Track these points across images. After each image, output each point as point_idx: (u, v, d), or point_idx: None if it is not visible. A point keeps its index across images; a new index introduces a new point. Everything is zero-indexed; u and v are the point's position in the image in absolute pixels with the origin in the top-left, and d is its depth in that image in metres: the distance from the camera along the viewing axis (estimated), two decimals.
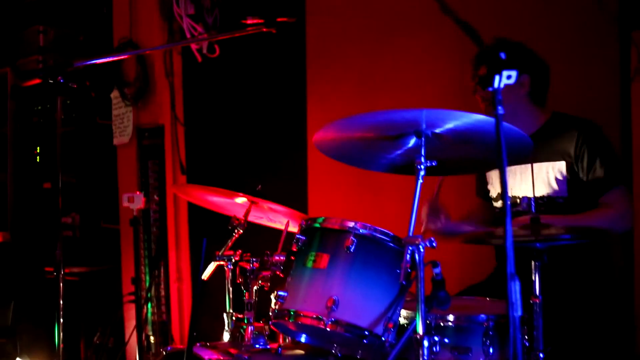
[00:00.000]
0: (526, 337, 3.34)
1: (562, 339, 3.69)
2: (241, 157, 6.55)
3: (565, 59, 4.84)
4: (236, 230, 4.38)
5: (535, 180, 4.21)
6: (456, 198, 4.72)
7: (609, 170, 4.13)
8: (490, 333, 3.28)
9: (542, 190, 4.21)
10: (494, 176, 4.49)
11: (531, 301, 3.26)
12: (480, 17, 5.24)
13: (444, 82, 4.38)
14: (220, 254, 4.26)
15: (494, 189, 4.49)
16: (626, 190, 4.19)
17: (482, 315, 3.32)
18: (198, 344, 3.86)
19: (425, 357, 2.95)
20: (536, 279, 3.26)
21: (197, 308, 3.30)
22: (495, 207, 4.50)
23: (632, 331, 4.50)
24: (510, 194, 4.33)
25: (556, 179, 4.18)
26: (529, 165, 4.21)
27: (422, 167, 3.09)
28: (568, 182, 4.17)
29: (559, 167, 4.18)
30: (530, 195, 4.20)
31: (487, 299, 3.80)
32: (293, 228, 4.06)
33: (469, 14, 5.24)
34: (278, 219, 4.51)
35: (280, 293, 3.26)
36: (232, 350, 3.73)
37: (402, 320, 3.27)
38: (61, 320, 4.28)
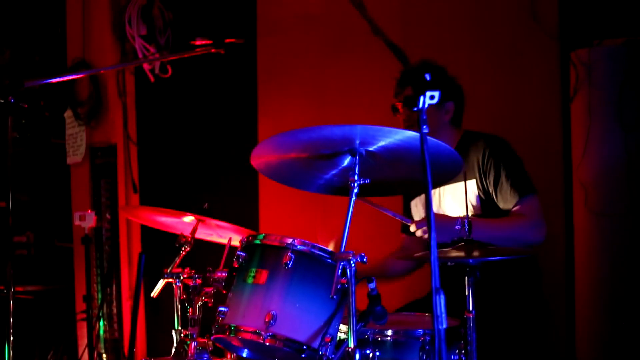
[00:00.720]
0: (463, 351, 3.41)
1: (496, 353, 3.77)
2: (194, 176, 6.58)
3: (506, 79, 4.94)
4: (183, 248, 4.43)
5: (453, 200, 4.27)
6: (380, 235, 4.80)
7: (515, 182, 4.16)
8: (427, 347, 3.34)
9: (459, 210, 4.25)
10: (418, 201, 4.52)
11: (465, 316, 3.33)
12: (416, 35, 5.33)
13: (391, 97, 4.46)
14: (168, 271, 4.29)
15: (419, 213, 4.52)
16: (537, 199, 4.18)
17: (419, 330, 3.38)
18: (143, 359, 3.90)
19: None
20: (469, 294, 3.32)
21: (135, 324, 3.33)
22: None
23: (572, 344, 4.60)
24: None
25: (470, 199, 4.22)
26: (447, 185, 4.28)
27: (356, 184, 3.15)
28: (480, 199, 4.23)
29: (471, 187, 4.24)
30: (452, 214, 4.26)
31: (426, 314, 3.86)
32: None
33: (403, 31, 5.34)
34: (227, 235, 4.56)
35: (221, 309, 3.29)
36: None
37: (342, 335, 3.32)
38: (11, 338, 4.28)
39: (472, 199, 4.25)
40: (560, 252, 4.78)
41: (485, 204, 4.23)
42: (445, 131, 4.37)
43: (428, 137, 2.69)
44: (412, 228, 3.99)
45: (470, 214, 4.21)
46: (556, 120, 4.92)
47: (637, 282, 4.43)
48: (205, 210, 4.43)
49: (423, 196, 4.31)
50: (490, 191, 4.21)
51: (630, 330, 4.37)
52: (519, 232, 4.07)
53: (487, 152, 4.22)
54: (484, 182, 4.21)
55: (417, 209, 4.53)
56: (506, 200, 4.17)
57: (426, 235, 3.96)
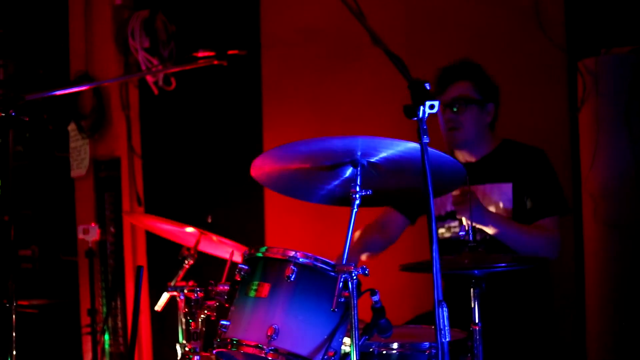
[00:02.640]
0: None
1: None
2: (198, 188, 6.56)
3: (514, 88, 4.90)
4: (186, 261, 4.41)
5: (482, 200, 4.25)
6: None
7: (550, 198, 4.21)
8: None
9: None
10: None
11: (471, 328, 3.28)
12: (420, 44, 5.30)
13: (396, 107, 4.40)
14: (172, 285, 4.27)
15: (443, 208, 4.47)
16: (559, 220, 4.25)
17: (425, 343, 3.32)
18: None
19: None
20: (475, 306, 3.27)
21: (134, 337, 3.28)
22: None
23: (583, 357, 4.55)
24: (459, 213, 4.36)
25: (503, 201, 4.24)
26: (479, 185, 4.25)
27: (358, 196, 3.11)
28: (514, 204, 4.23)
29: (505, 189, 4.24)
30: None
31: (433, 327, 3.81)
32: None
33: (407, 40, 5.30)
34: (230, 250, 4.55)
35: (223, 322, 3.25)
36: None
37: (346, 349, 3.27)
38: (14, 353, 4.25)
39: (506, 202, 4.26)
40: (570, 264, 4.73)
41: (518, 209, 4.24)
42: (485, 135, 4.40)
43: (429, 148, 2.64)
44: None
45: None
46: (564, 131, 4.88)
47: None
48: (208, 224, 4.41)
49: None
50: (525, 200, 4.24)
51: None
52: (537, 243, 4.12)
53: (529, 164, 4.27)
54: (522, 190, 4.24)
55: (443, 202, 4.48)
56: (536, 211, 4.22)
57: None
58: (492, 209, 4.24)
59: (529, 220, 4.22)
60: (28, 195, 7.54)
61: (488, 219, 4.03)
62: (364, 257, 4.47)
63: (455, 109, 4.30)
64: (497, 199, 4.25)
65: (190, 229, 4.42)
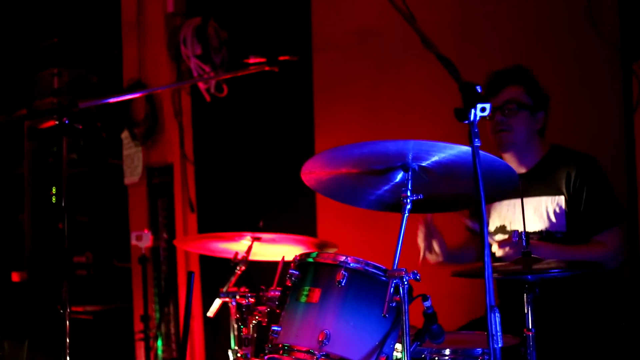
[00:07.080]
0: None
1: None
2: (251, 194, 6.57)
3: (567, 90, 4.86)
4: (239, 267, 4.41)
5: (534, 214, 4.20)
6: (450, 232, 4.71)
7: (605, 209, 4.14)
8: None
9: (540, 225, 4.20)
10: (491, 210, 4.45)
11: (524, 334, 3.24)
12: (477, 48, 5.26)
13: (449, 111, 4.35)
14: (224, 290, 4.27)
15: (492, 223, 4.45)
16: (620, 230, 4.17)
17: (478, 349, 3.30)
18: None
19: None
20: (528, 311, 3.24)
21: (185, 344, 3.28)
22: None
23: None
24: (510, 227, 4.33)
25: (555, 214, 4.18)
26: (529, 198, 4.20)
27: (409, 200, 3.09)
28: (567, 216, 4.17)
29: (558, 202, 4.18)
30: (531, 229, 4.20)
31: (486, 332, 3.77)
32: None
33: (458, 42, 5.27)
34: (287, 247, 4.58)
35: (274, 328, 3.24)
36: None
37: (398, 355, 3.25)
38: (68, 359, 4.29)
39: (558, 215, 4.19)
40: (625, 270, 4.64)
41: (573, 222, 4.18)
42: (534, 142, 4.36)
43: (482, 152, 2.62)
44: (495, 248, 3.93)
45: (551, 229, 4.21)
46: (619, 132, 4.80)
47: None
48: (260, 228, 4.42)
49: (496, 204, 4.27)
50: (581, 211, 4.16)
51: None
52: (596, 259, 4.03)
53: (580, 173, 4.19)
54: (575, 201, 4.17)
55: (491, 216, 4.46)
56: (592, 226, 4.14)
57: (503, 252, 3.91)
58: (544, 223, 4.20)
59: (585, 235, 4.16)
60: (84, 201, 7.60)
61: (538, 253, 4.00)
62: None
63: (505, 112, 4.27)
64: (549, 213, 4.19)
65: (246, 241, 4.44)
